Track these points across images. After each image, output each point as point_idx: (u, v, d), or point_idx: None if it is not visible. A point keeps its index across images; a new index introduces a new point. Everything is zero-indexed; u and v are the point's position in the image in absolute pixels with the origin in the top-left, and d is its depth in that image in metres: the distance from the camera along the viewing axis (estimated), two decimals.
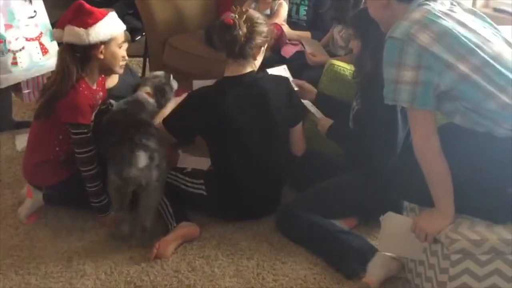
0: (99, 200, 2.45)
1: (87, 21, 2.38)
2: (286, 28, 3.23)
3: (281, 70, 2.80)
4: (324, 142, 2.68)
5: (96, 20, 2.39)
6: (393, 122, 2.34)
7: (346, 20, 3.04)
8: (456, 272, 1.95)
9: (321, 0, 3.34)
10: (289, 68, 2.86)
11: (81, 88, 2.40)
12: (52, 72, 2.63)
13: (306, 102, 2.67)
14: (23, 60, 3.02)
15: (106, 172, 2.37)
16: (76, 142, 2.40)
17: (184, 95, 2.65)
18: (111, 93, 2.70)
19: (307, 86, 2.76)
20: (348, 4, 2.99)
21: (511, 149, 1.89)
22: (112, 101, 2.62)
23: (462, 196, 1.94)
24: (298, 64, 3.06)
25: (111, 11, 2.53)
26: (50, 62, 3.02)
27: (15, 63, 3.02)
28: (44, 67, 3.09)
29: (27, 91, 3.25)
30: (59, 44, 2.66)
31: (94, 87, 2.50)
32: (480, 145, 1.92)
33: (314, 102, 2.71)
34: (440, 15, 1.90)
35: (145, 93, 2.56)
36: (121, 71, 2.60)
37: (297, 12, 3.39)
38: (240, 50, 2.42)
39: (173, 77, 2.72)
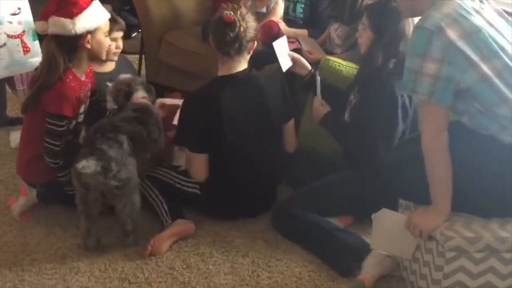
0: (73, 188, 2.37)
1: (72, 10, 2.34)
2: (282, 26, 3.23)
3: (283, 42, 2.72)
4: (320, 140, 2.68)
5: (81, 9, 2.35)
6: (392, 117, 2.34)
7: (343, 18, 3.05)
8: (450, 269, 1.95)
9: None
10: None
11: (68, 80, 2.37)
12: (39, 64, 2.58)
13: (318, 78, 2.60)
14: (3, 57, 2.92)
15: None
16: (50, 132, 2.36)
17: (179, 100, 2.63)
18: (107, 76, 2.72)
19: (302, 61, 2.70)
20: (346, 2, 2.99)
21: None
22: (108, 83, 2.63)
23: (460, 195, 1.94)
24: None
25: (108, 7, 2.52)
26: (32, 61, 2.95)
27: None
28: (26, 66, 3.00)
29: (22, 88, 3.24)
30: (41, 40, 2.61)
31: (83, 78, 2.47)
32: (483, 147, 1.92)
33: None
34: (471, 11, 1.89)
35: (141, 98, 2.56)
36: (115, 58, 2.60)
37: (294, 9, 3.38)
38: (239, 47, 2.41)
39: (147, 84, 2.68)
